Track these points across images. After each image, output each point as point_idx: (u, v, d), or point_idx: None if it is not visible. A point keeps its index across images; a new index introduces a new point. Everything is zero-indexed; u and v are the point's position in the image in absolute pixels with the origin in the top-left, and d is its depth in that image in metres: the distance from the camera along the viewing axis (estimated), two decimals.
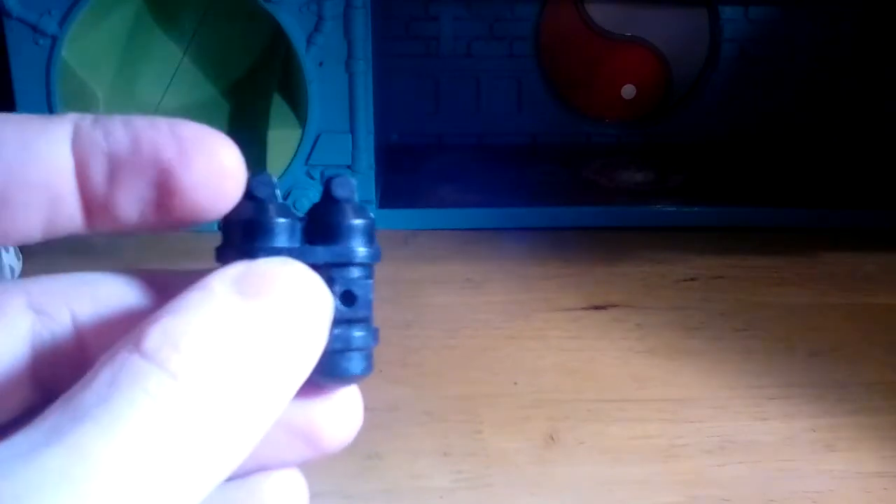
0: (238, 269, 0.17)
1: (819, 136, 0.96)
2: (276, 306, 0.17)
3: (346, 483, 0.46)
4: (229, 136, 0.19)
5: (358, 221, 0.19)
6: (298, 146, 0.76)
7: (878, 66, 0.93)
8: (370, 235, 0.19)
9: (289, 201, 0.76)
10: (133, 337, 0.16)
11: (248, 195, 0.18)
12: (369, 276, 0.19)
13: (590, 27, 0.94)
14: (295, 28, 0.73)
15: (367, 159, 0.77)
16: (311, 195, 0.76)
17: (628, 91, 0.96)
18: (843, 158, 0.92)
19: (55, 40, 0.73)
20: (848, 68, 0.95)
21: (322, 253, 0.18)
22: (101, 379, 0.15)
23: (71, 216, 0.18)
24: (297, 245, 0.18)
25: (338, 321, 0.18)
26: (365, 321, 0.19)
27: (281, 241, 0.18)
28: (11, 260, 0.63)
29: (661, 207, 0.82)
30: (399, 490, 0.47)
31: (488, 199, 0.82)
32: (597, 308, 0.65)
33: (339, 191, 0.19)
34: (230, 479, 0.19)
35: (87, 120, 0.18)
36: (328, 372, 0.19)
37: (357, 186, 0.19)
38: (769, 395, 0.55)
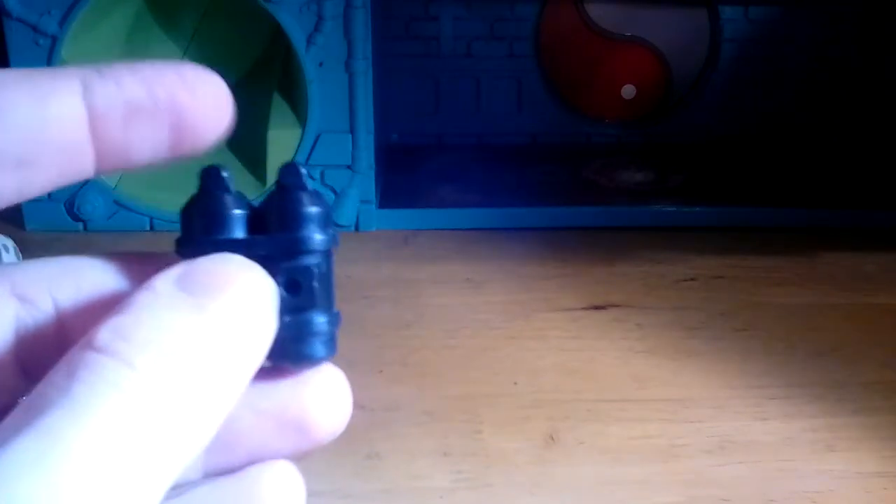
0: (179, 269, 0.18)
1: (819, 136, 0.96)
2: (219, 300, 0.17)
3: (345, 483, 0.46)
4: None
5: (304, 209, 0.19)
6: (298, 146, 0.76)
7: (878, 66, 0.93)
8: (321, 221, 0.19)
9: None
10: (84, 339, 0.16)
11: (203, 188, 0.19)
12: (322, 261, 0.19)
13: (590, 27, 0.94)
14: (295, 28, 0.73)
15: (367, 159, 0.77)
16: None
17: (628, 91, 0.96)
18: (843, 158, 0.92)
19: (55, 40, 0.73)
20: (848, 68, 0.95)
21: (267, 243, 0.19)
22: (58, 372, 0.16)
23: (82, 164, 0.18)
24: (247, 236, 0.19)
25: (287, 310, 0.19)
26: (318, 307, 0.19)
27: (231, 232, 0.19)
28: (11, 259, 0.63)
29: (661, 207, 0.81)
30: (399, 490, 0.47)
31: (488, 199, 0.82)
32: (597, 308, 0.65)
33: (286, 178, 0.19)
34: (226, 473, 0.20)
35: (91, 72, 0.18)
36: (288, 357, 0.19)
37: (306, 173, 0.19)
38: (769, 395, 0.55)
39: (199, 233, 0.19)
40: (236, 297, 0.17)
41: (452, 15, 0.93)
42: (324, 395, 0.20)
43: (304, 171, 0.19)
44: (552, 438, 0.51)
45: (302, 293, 0.19)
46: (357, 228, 0.78)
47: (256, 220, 0.19)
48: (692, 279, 0.69)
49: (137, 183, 0.78)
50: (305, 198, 0.19)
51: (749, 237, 0.77)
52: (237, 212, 0.19)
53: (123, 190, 0.77)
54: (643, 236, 0.77)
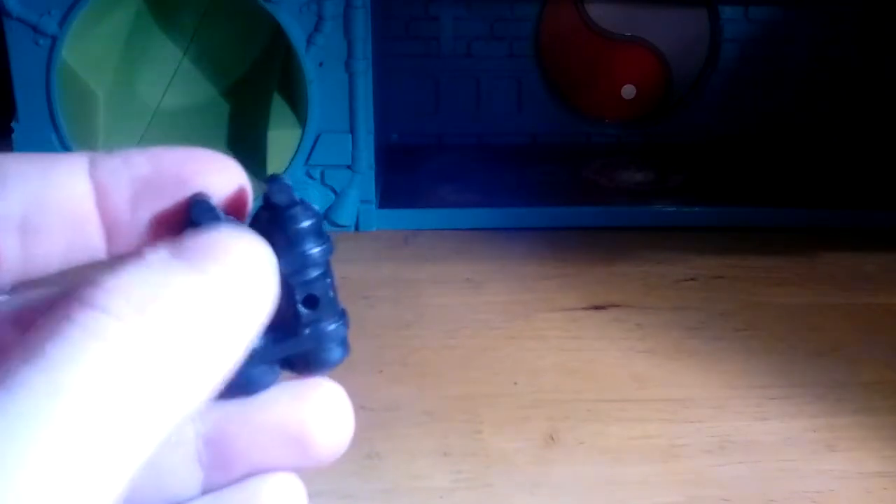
0: (169, 243, 0.17)
1: (819, 136, 0.96)
2: (220, 263, 0.17)
3: (345, 483, 0.46)
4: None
5: (304, 224, 0.19)
6: (298, 146, 0.76)
7: (878, 66, 0.93)
8: (318, 232, 0.19)
9: None
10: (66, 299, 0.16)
11: (193, 222, 0.19)
12: (326, 268, 0.20)
13: (590, 27, 0.94)
14: (295, 28, 0.73)
15: (367, 159, 0.77)
16: (310, 195, 0.76)
17: (628, 91, 0.96)
18: (843, 158, 0.92)
19: (55, 40, 0.73)
20: (848, 68, 0.95)
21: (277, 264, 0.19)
22: (31, 331, 0.15)
23: (92, 242, 0.18)
24: None
25: (306, 323, 0.19)
26: (332, 313, 0.20)
27: None
28: None
29: (661, 207, 0.81)
30: (399, 490, 0.47)
31: (488, 199, 0.82)
32: (597, 308, 0.65)
33: (277, 197, 0.19)
34: (228, 483, 0.19)
35: (101, 152, 0.19)
36: (312, 366, 0.20)
37: (293, 187, 0.19)
38: (769, 395, 0.55)
39: None
40: (238, 260, 0.17)
41: (452, 15, 0.93)
42: (323, 409, 0.20)
43: (290, 184, 0.19)
44: (552, 438, 0.51)
45: (320, 305, 0.19)
46: (357, 228, 0.78)
47: None
48: (692, 279, 0.69)
49: None
50: (300, 213, 0.19)
51: (749, 237, 0.77)
52: None
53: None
54: (643, 236, 0.77)
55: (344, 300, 0.20)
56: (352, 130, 0.76)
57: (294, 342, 0.19)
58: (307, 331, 0.19)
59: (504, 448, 0.50)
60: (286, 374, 0.20)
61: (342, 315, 0.20)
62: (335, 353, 0.20)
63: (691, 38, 0.94)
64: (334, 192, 0.77)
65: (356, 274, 0.68)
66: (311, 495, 0.20)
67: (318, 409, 0.20)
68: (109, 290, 0.15)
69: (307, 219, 0.19)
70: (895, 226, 0.79)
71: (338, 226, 0.77)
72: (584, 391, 0.55)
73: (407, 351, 0.59)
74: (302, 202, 0.19)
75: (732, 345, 0.60)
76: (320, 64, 0.74)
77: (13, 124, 0.75)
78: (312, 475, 0.21)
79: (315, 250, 0.19)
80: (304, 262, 0.19)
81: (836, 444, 0.50)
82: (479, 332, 0.61)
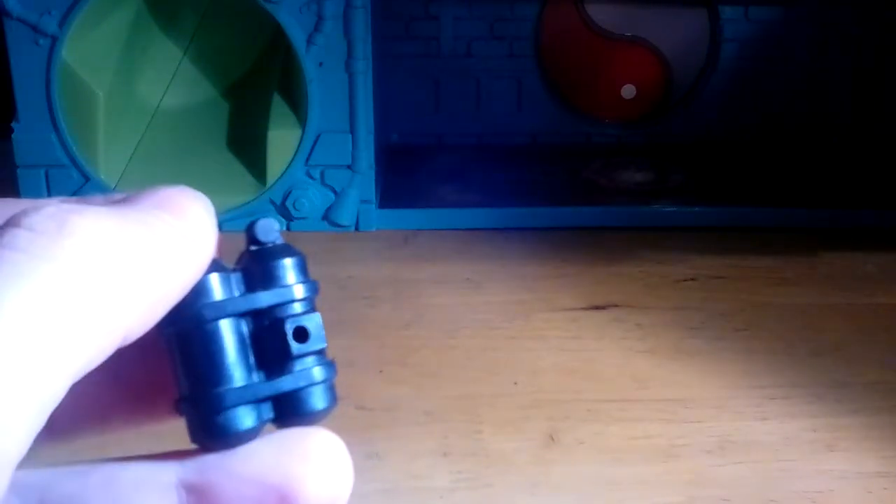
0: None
1: (819, 136, 0.96)
2: (179, 218, 0.17)
3: None
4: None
5: (284, 260, 0.19)
6: (298, 146, 0.76)
7: (877, 66, 0.93)
8: (301, 270, 0.19)
9: (288, 202, 0.76)
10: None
11: None
12: (313, 309, 0.19)
13: (590, 27, 0.94)
14: (295, 28, 0.73)
15: (367, 159, 0.77)
16: (310, 195, 0.76)
17: (628, 91, 0.96)
18: (843, 158, 0.92)
19: (55, 40, 0.73)
20: (848, 68, 0.95)
21: (265, 297, 0.19)
22: None
23: None
24: (239, 294, 0.19)
25: (294, 358, 0.19)
26: (320, 354, 0.19)
27: (220, 294, 0.19)
28: None
29: (661, 207, 0.81)
30: (399, 490, 0.47)
31: (488, 199, 0.82)
32: (597, 308, 0.65)
33: (262, 236, 0.19)
34: None
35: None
36: (294, 411, 0.19)
37: (279, 226, 0.20)
38: (769, 395, 0.55)
39: (181, 302, 0.18)
40: (191, 221, 0.17)
41: (452, 15, 0.93)
42: (313, 461, 0.18)
43: (275, 223, 0.20)
44: (552, 438, 0.51)
45: (311, 339, 0.19)
46: (357, 228, 0.78)
47: (240, 279, 0.19)
48: (692, 279, 0.69)
49: (137, 183, 0.78)
50: (281, 250, 0.19)
51: (749, 237, 0.77)
52: (215, 274, 0.19)
53: (123, 190, 0.77)
54: (643, 236, 0.77)
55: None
56: (352, 130, 0.76)
57: (285, 380, 0.18)
58: (297, 367, 0.19)
59: (504, 448, 0.50)
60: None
61: (329, 363, 0.19)
62: (320, 398, 0.19)
63: (691, 38, 0.94)
64: (334, 192, 0.77)
65: (356, 274, 0.68)
66: None
67: (306, 462, 0.18)
68: (39, 209, 0.16)
69: (288, 256, 0.19)
70: (895, 226, 0.79)
71: (338, 226, 0.77)
72: (584, 391, 0.55)
73: (407, 351, 0.59)
74: (284, 242, 0.19)
75: (732, 345, 0.60)
76: (320, 64, 0.74)
77: (13, 124, 0.75)
78: None
79: (301, 286, 0.19)
80: (292, 296, 0.19)
81: (836, 444, 0.50)
82: (479, 332, 0.61)
